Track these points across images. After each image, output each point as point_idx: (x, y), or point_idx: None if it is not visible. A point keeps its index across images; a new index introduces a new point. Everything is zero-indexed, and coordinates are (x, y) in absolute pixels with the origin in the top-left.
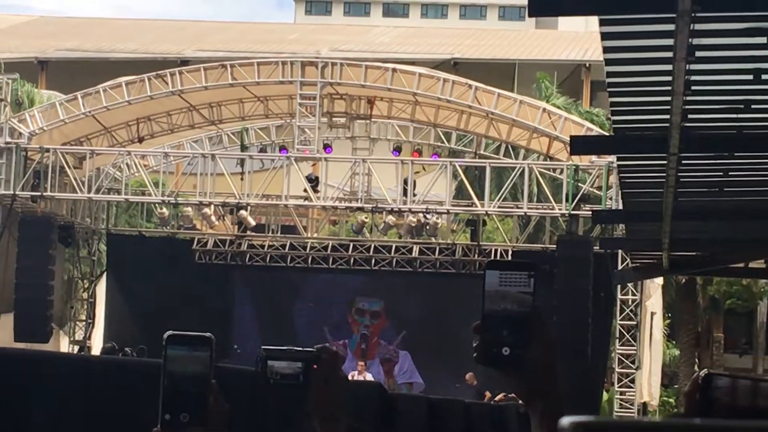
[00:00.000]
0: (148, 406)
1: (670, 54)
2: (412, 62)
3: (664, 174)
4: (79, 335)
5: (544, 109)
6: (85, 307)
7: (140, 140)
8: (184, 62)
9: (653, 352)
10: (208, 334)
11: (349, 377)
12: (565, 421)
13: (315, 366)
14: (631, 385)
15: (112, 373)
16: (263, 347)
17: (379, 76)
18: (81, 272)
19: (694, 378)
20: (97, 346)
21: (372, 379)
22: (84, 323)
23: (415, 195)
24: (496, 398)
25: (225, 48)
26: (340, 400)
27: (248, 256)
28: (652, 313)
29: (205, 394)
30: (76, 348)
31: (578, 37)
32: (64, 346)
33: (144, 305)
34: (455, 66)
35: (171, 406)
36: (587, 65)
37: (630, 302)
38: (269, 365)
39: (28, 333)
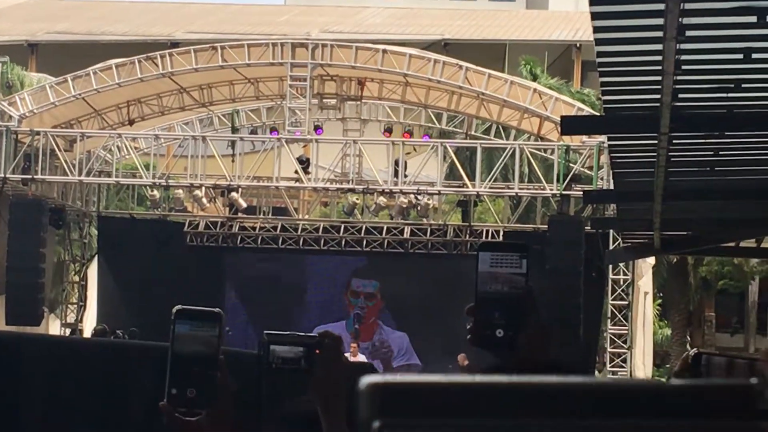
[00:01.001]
0: (141, 387)
1: (660, 33)
2: (403, 43)
3: (655, 154)
4: (71, 318)
5: (535, 90)
6: (77, 289)
7: (131, 123)
8: (175, 44)
9: (645, 331)
10: (217, 310)
11: None
12: (363, 381)
13: (318, 351)
14: (623, 364)
15: (105, 355)
16: (266, 332)
17: (370, 57)
18: (72, 255)
19: (684, 357)
20: (88, 329)
21: (365, 360)
22: (75, 306)
23: (406, 176)
24: None
25: (215, 30)
26: (342, 384)
27: (240, 238)
28: (645, 293)
29: (213, 370)
30: (68, 331)
31: (569, 17)
32: (56, 328)
33: (135, 288)
34: (446, 47)
35: (178, 380)
36: (578, 45)
37: (621, 282)
38: (272, 350)
39: (20, 316)
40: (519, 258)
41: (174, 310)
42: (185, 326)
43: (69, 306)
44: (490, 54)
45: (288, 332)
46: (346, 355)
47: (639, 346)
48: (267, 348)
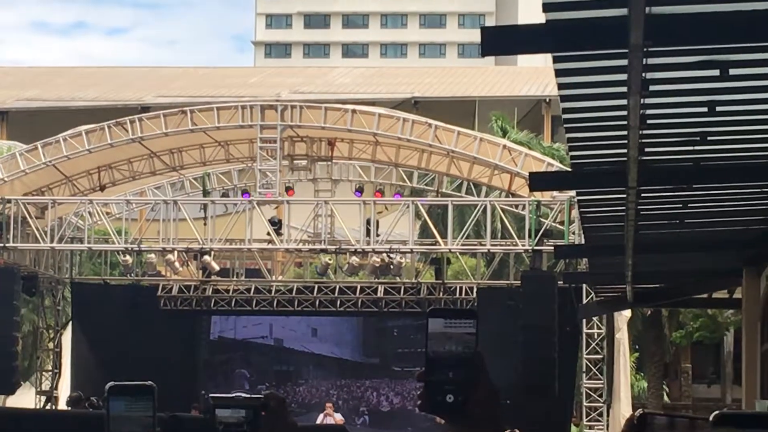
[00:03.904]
0: None
1: (624, 89)
2: (373, 102)
3: (624, 208)
4: (46, 386)
5: (505, 146)
6: (51, 357)
7: (102, 188)
8: (145, 108)
9: (626, 384)
10: (149, 383)
11: (318, 419)
12: None
13: (263, 413)
14: (599, 418)
15: (50, 426)
16: (211, 395)
17: (339, 117)
18: (46, 322)
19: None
20: (64, 396)
21: (342, 420)
22: (50, 373)
23: (378, 235)
24: None
25: (186, 93)
26: None
27: (213, 300)
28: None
29: None
30: (43, 398)
31: (538, 73)
32: (31, 397)
33: (110, 353)
34: (416, 105)
35: None
36: (547, 100)
37: (596, 336)
38: (217, 414)
39: None
40: (468, 325)
41: (107, 387)
42: (120, 402)
43: (44, 373)
44: (460, 110)
45: (233, 395)
46: (321, 415)
47: (623, 398)
48: (212, 412)
